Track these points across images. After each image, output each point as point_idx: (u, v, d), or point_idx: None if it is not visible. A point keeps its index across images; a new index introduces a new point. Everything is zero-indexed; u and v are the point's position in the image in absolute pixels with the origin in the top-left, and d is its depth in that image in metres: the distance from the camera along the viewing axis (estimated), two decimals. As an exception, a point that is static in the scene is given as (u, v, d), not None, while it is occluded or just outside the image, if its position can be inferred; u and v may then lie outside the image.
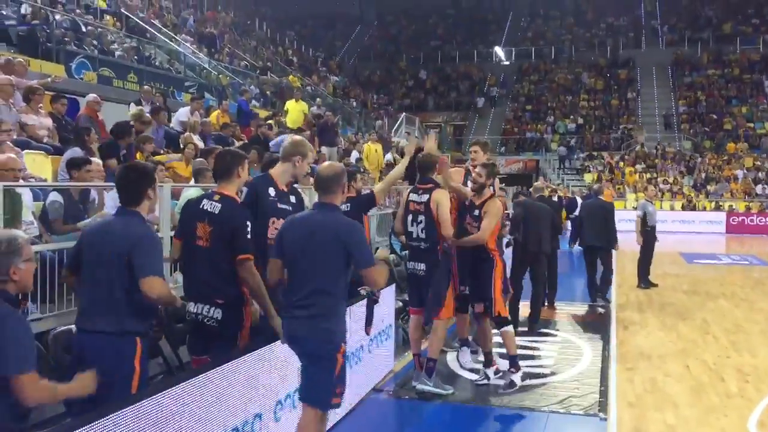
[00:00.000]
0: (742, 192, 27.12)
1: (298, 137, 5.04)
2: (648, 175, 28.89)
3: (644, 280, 11.71)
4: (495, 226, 5.98)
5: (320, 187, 3.84)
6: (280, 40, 33.32)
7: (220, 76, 19.07)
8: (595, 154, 31.76)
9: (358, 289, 5.46)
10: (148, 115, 8.82)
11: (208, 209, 3.99)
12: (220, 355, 3.76)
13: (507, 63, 40.15)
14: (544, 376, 6.39)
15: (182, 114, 10.98)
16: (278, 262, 3.83)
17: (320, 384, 3.71)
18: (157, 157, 7.71)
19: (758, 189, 27.09)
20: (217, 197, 4.04)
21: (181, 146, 8.75)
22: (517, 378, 5.85)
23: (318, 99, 18.22)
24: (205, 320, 3.95)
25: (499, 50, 39.91)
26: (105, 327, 3.26)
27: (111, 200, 5.83)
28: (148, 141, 7.80)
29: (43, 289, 4.80)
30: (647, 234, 11.37)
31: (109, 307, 3.29)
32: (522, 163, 31.93)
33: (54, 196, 5.15)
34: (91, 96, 8.34)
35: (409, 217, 5.84)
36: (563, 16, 42.68)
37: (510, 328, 6.03)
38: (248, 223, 3.95)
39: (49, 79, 8.89)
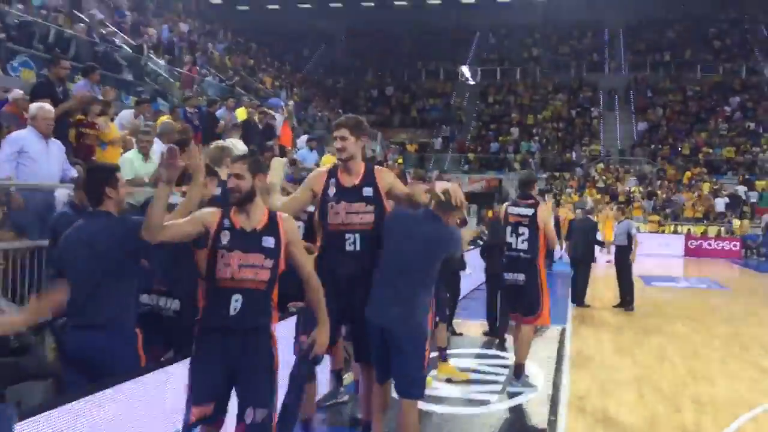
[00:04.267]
0: (700, 210, 27.34)
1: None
2: (608, 197, 28.92)
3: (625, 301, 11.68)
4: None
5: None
6: (245, 52, 32.74)
7: (177, 83, 18.56)
8: (557, 174, 31.78)
9: (288, 305, 5.01)
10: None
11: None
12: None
13: (473, 82, 40.16)
14: (488, 403, 5.98)
15: (124, 116, 10.42)
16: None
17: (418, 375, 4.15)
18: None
19: (718, 204, 27.36)
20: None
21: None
22: None
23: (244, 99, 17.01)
24: (162, 312, 4.10)
25: (465, 69, 39.89)
26: None
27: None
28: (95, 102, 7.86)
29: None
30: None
31: None
32: (485, 181, 31.74)
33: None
34: (17, 93, 7.77)
35: (509, 229, 6.38)
36: (528, 37, 42.90)
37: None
38: None
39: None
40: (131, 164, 6.95)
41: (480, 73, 40.59)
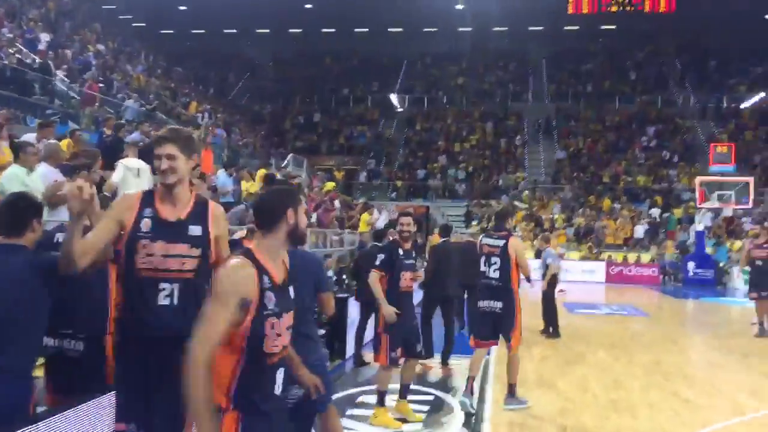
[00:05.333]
0: (621, 237, 28.10)
1: None
2: (532, 224, 29.31)
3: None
4: None
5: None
6: (166, 76, 31.94)
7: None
8: (483, 202, 32.08)
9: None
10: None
11: None
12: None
13: (401, 109, 40.41)
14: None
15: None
16: None
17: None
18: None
19: (637, 231, 28.17)
20: None
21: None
22: None
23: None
24: (67, 354, 3.80)
25: (393, 97, 40.13)
26: None
27: None
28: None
29: None
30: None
31: None
32: (412, 209, 31.67)
33: None
34: None
35: (483, 259, 6.84)
36: (455, 66, 43.55)
37: None
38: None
39: None
40: (19, 178, 6.53)
41: (407, 100, 40.93)
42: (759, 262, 12.41)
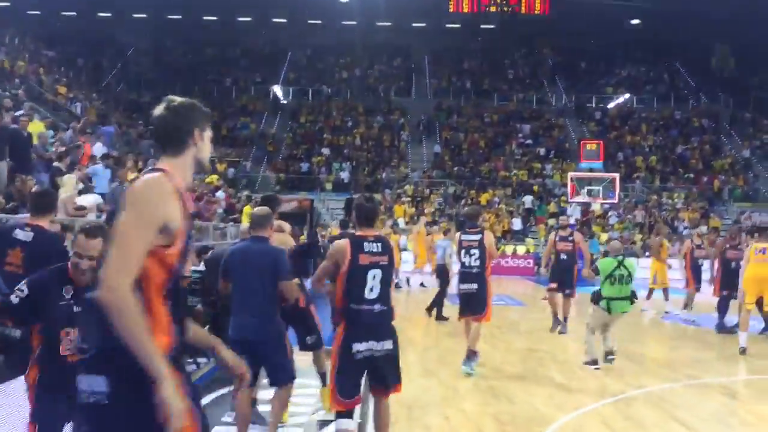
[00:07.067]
0: (499, 230, 29.19)
1: None
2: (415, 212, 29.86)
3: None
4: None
5: (257, 224, 5.01)
6: (34, 60, 29.92)
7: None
8: (367, 195, 32.31)
9: None
10: None
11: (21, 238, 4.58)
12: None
13: (284, 102, 39.99)
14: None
15: None
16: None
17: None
18: None
19: (515, 223, 29.35)
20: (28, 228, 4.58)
21: None
22: None
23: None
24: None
25: (277, 89, 39.65)
26: None
27: None
28: None
29: None
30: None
31: None
32: (296, 202, 31.44)
33: None
34: None
35: (462, 251, 8.23)
36: (339, 59, 43.60)
37: None
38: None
39: None
40: None
41: (292, 92, 40.58)
42: (564, 256, 11.73)
